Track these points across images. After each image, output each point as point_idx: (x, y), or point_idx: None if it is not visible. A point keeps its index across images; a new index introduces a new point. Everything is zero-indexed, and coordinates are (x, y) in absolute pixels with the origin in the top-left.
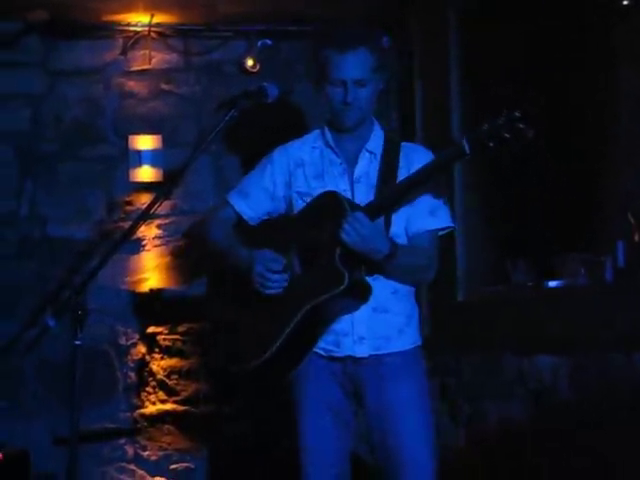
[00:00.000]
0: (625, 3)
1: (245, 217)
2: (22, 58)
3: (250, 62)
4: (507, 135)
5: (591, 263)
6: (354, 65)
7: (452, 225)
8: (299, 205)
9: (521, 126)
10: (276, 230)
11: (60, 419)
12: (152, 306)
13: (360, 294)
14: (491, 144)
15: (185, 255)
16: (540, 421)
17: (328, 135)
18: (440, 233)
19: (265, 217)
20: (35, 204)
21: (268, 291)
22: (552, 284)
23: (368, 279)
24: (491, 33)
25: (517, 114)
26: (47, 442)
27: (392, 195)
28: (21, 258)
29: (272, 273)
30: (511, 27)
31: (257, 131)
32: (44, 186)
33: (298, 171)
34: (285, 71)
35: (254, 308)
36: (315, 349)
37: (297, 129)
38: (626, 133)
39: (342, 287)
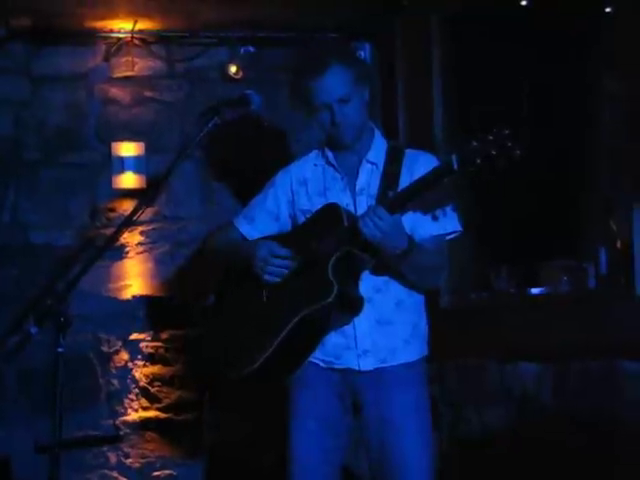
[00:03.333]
0: (608, 10)
1: (251, 239)
2: (5, 64)
3: (233, 69)
4: (495, 152)
5: (573, 270)
6: (333, 85)
7: (459, 229)
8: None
9: (509, 144)
10: (277, 242)
11: (42, 427)
12: (164, 310)
13: (350, 307)
14: (478, 161)
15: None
16: (523, 428)
17: (328, 153)
18: (448, 237)
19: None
20: (17, 210)
21: (267, 276)
22: (535, 291)
23: (373, 292)
24: (475, 40)
25: (506, 132)
26: (29, 450)
27: (411, 191)
28: (2, 265)
29: (275, 258)
30: (495, 34)
31: (241, 138)
32: (26, 192)
33: (301, 189)
34: (268, 78)
35: (248, 316)
36: (313, 359)
37: (280, 137)
38: (608, 140)
39: (329, 299)
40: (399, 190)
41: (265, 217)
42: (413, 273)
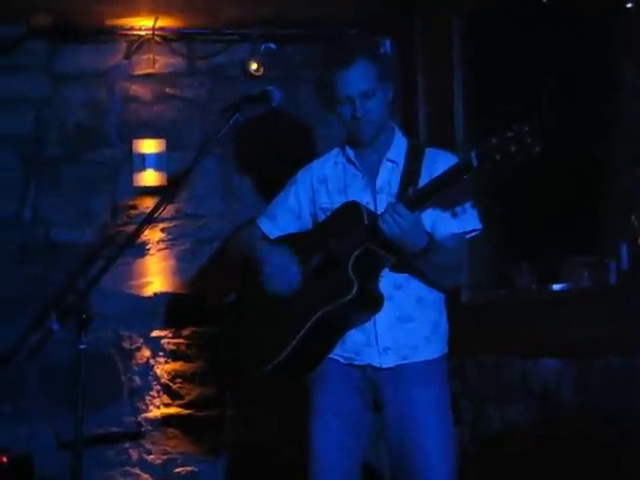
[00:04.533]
0: (629, 6)
1: (272, 238)
2: (26, 62)
3: (254, 66)
4: (514, 149)
5: (595, 266)
6: (357, 78)
7: (479, 227)
8: None
9: (529, 140)
10: (299, 241)
11: (64, 423)
12: (185, 307)
13: (370, 304)
14: (498, 157)
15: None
16: (544, 424)
17: (349, 151)
18: (468, 236)
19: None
20: (38, 208)
21: (277, 286)
22: (556, 287)
23: (393, 289)
24: (494, 37)
25: (526, 128)
26: (51, 446)
27: (431, 188)
28: (25, 262)
29: (286, 270)
30: (514, 28)
31: (263, 135)
32: (48, 190)
33: (321, 188)
34: (289, 75)
35: (269, 314)
36: (333, 356)
37: (302, 134)
38: (629, 135)
39: (350, 296)
40: (419, 187)
41: (287, 215)
42: (432, 272)
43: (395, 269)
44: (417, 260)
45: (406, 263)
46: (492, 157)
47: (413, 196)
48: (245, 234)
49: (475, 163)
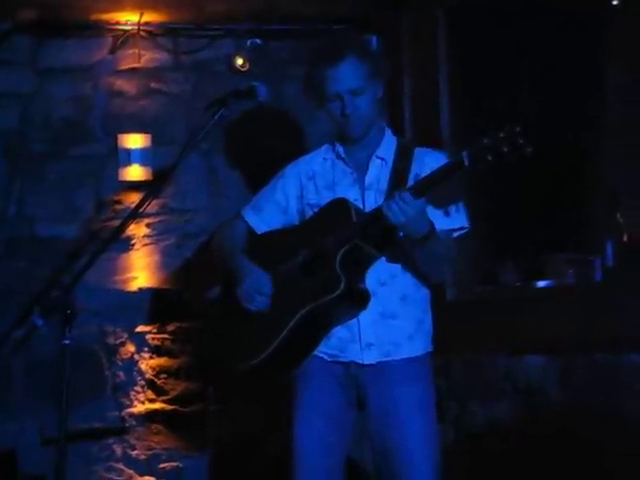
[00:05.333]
0: (615, 3)
1: (257, 231)
2: (10, 57)
3: (240, 61)
4: (506, 149)
5: (580, 263)
6: (347, 75)
7: (467, 226)
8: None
9: (521, 141)
10: (285, 236)
11: (48, 419)
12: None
13: (357, 301)
14: (490, 158)
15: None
16: (528, 421)
17: (338, 147)
18: (455, 234)
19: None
20: (23, 203)
21: (248, 306)
22: (541, 284)
23: (377, 285)
24: (480, 32)
25: (518, 129)
26: (35, 442)
27: (430, 180)
28: (9, 258)
29: (258, 294)
30: (500, 25)
31: (248, 130)
32: (32, 185)
33: (310, 184)
34: (275, 70)
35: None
36: (318, 353)
37: (288, 129)
38: (615, 132)
39: (337, 292)
40: (421, 178)
41: (273, 208)
42: (427, 261)
43: (391, 259)
44: (415, 248)
45: (403, 252)
46: (484, 157)
47: (417, 184)
48: (228, 230)
49: (467, 163)
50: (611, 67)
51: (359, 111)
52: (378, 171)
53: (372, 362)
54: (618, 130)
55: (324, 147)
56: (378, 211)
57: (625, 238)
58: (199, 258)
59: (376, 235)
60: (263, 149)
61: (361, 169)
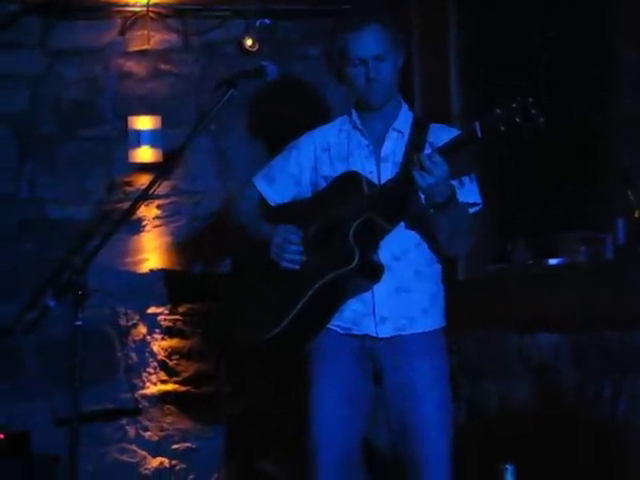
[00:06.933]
0: None
1: (270, 201)
2: (20, 39)
3: (249, 42)
4: (519, 120)
5: (591, 241)
6: (371, 41)
7: (479, 202)
8: None
9: (534, 111)
10: (297, 209)
11: (61, 400)
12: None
13: (371, 274)
14: (503, 128)
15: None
16: (540, 399)
17: (355, 117)
18: (471, 210)
19: (289, 201)
20: (34, 185)
21: (283, 262)
22: (552, 262)
23: (391, 260)
24: (490, 10)
25: (530, 100)
26: (48, 423)
27: (452, 146)
28: (20, 240)
29: (289, 244)
30: (510, 4)
31: (258, 110)
32: (43, 167)
33: (324, 155)
34: (284, 51)
35: (269, 284)
36: (332, 326)
37: (298, 109)
38: (626, 110)
39: (352, 265)
40: (445, 142)
41: (286, 179)
42: (446, 229)
43: (413, 226)
44: (437, 216)
45: (423, 222)
46: (497, 128)
47: (445, 146)
48: (243, 207)
49: (479, 134)
50: (625, 47)
51: (382, 76)
52: (394, 144)
53: (387, 336)
54: (630, 107)
55: (340, 118)
56: (402, 176)
57: (637, 215)
58: (210, 234)
59: (388, 207)
60: (272, 129)
61: (377, 141)
